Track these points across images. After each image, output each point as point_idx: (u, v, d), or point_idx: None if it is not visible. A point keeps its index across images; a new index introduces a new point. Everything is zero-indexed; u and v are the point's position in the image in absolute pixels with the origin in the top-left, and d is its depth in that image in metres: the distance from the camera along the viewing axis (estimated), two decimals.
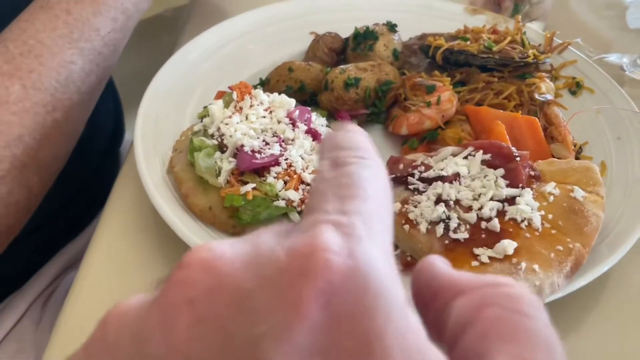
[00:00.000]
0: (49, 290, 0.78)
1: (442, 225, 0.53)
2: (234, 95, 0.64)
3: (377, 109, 0.71)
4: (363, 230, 0.20)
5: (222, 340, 0.18)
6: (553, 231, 0.52)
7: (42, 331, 0.73)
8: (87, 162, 0.83)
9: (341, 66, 0.72)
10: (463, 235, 0.52)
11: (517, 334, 0.20)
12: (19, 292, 0.76)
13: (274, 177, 0.56)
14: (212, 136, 0.61)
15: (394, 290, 0.19)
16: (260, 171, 0.57)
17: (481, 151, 0.58)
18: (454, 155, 0.59)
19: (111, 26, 0.61)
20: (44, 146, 0.57)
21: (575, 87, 0.75)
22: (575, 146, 0.66)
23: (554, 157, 0.65)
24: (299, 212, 0.56)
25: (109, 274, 0.59)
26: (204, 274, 0.19)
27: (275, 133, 0.60)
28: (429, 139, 0.68)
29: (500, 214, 0.54)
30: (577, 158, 0.66)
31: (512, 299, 0.21)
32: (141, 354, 0.19)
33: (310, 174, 0.57)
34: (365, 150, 0.24)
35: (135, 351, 0.19)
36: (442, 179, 0.57)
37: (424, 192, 0.57)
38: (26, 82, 0.55)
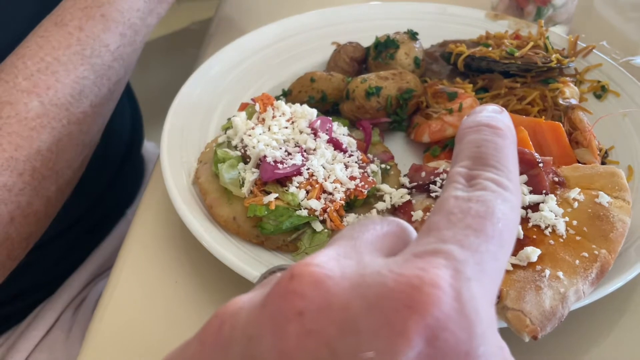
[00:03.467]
0: (79, 299, 0.80)
1: None
2: (257, 107, 0.65)
3: (399, 117, 0.72)
4: (474, 271, 0.21)
5: (327, 355, 0.19)
6: (578, 237, 0.51)
7: (72, 340, 0.74)
8: (106, 168, 0.85)
9: (362, 75, 0.72)
10: None
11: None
12: (48, 302, 0.78)
13: (296, 187, 0.57)
14: (235, 147, 0.62)
15: (492, 338, 0.21)
16: (283, 181, 0.58)
17: None
18: None
19: (120, 41, 0.64)
20: (60, 158, 0.60)
21: (600, 91, 0.74)
22: (600, 151, 0.65)
23: (579, 162, 0.64)
24: (322, 221, 0.57)
25: (137, 284, 0.60)
26: (314, 289, 0.20)
27: (297, 143, 0.61)
28: (451, 147, 0.67)
29: (524, 220, 0.53)
30: (603, 163, 0.65)
31: None
32: (251, 353, 0.20)
33: (332, 183, 0.58)
34: (509, 172, 0.25)
35: (246, 349, 0.20)
36: None
37: None
38: (44, 98, 0.58)
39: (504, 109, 0.29)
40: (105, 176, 0.86)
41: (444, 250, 0.21)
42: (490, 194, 0.24)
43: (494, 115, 0.28)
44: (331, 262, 0.21)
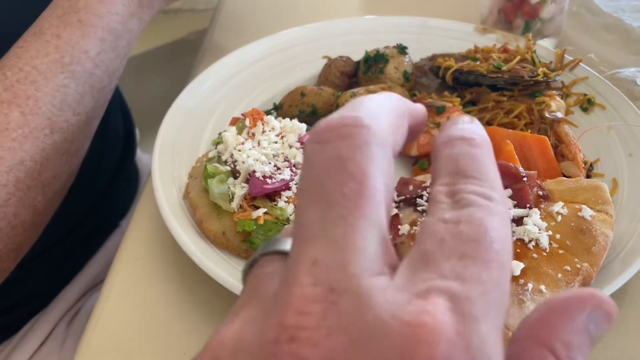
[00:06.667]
0: (73, 311, 0.81)
1: None
2: (247, 122, 0.66)
3: None
4: (480, 307, 0.20)
5: None
6: (561, 251, 0.52)
7: (66, 352, 0.75)
8: (98, 178, 0.86)
9: (352, 89, 0.73)
10: None
11: None
12: (42, 314, 0.79)
13: (285, 202, 0.58)
14: (225, 162, 0.63)
15: None
16: (272, 196, 0.59)
17: None
18: None
19: (100, 47, 0.63)
20: (45, 168, 0.59)
21: (586, 104, 0.75)
22: (585, 164, 0.66)
23: (564, 175, 0.65)
24: None
25: (129, 297, 0.61)
26: (311, 347, 0.19)
27: (287, 158, 0.62)
28: None
29: None
30: (588, 176, 0.66)
31: None
32: None
33: None
34: (491, 181, 0.23)
35: None
36: None
37: None
38: (24, 108, 0.57)
39: (474, 118, 0.28)
40: (98, 187, 0.87)
41: (445, 289, 0.20)
42: (478, 210, 0.22)
43: (465, 126, 0.26)
44: (319, 315, 0.20)
